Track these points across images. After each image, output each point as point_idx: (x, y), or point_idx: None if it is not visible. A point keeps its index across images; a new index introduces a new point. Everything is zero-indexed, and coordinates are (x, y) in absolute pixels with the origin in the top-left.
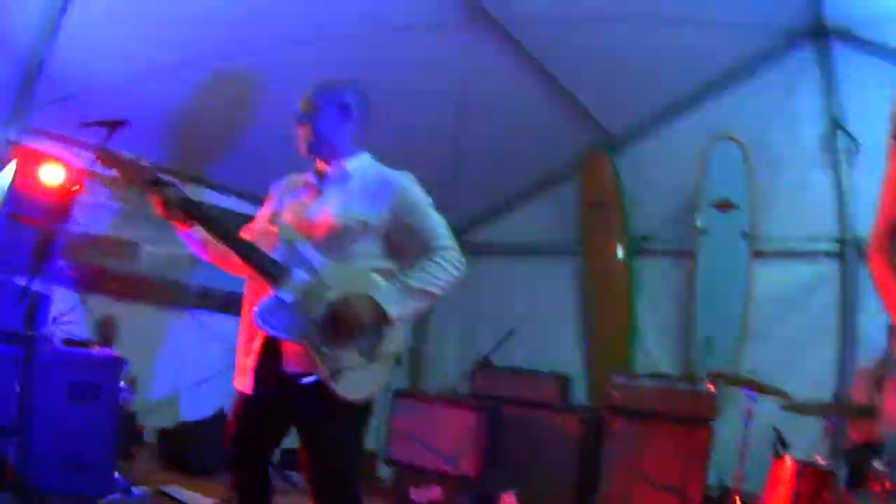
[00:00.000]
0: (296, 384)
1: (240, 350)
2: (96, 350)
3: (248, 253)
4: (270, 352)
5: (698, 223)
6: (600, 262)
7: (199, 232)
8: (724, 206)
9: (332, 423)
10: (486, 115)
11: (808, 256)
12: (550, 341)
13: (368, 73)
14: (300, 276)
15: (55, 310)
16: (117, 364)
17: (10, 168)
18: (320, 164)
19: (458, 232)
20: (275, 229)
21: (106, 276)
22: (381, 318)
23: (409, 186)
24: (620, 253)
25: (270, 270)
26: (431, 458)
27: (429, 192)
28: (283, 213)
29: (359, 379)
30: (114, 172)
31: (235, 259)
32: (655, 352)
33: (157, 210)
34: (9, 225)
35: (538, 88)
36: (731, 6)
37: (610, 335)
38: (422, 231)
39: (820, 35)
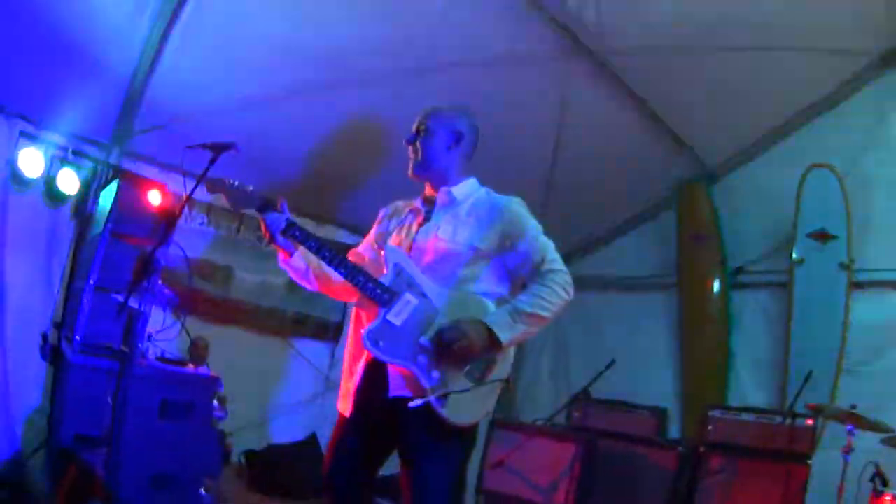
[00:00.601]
0: (400, 408)
1: (344, 373)
2: (191, 368)
3: (356, 276)
4: (374, 375)
5: (795, 255)
6: (697, 294)
7: (304, 258)
8: (821, 236)
9: (437, 448)
10: (582, 147)
11: None
12: (645, 374)
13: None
14: (409, 299)
15: (151, 328)
16: (211, 383)
17: (113, 188)
18: (429, 190)
19: None
20: (383, 253)
21: (200, 299)
22: (491, 343)
23: (519, 211)
24: (717, 286)
25: (379, 293)
26: (525, 488)
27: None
28: (391, 237)
29: (466, 404)
30: (220, 197)
31: (340, 284)
32: (749, 385)
33: (264, 234)
34: (110, 242)
35: (635, 120)
36: (822, 32)
37: (705, 368)
38: (531, 255)
39: None
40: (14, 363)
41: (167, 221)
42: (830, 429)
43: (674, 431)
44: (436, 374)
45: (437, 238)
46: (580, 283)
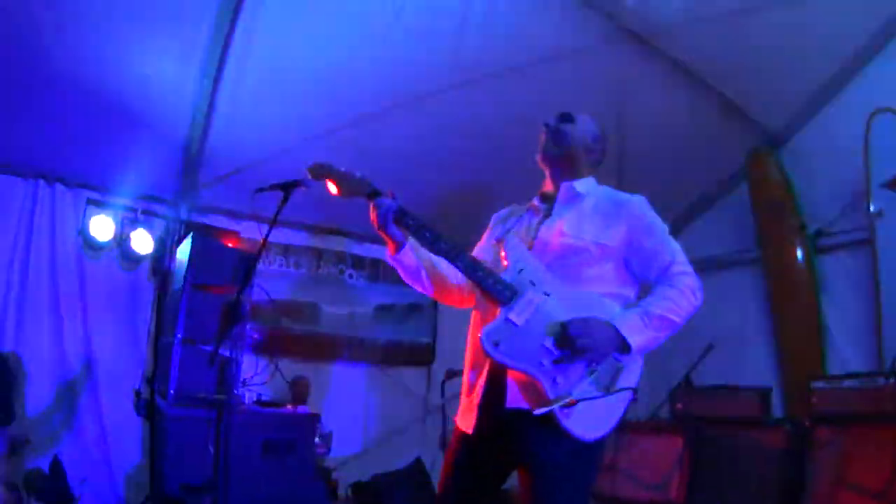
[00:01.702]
0: (519, 421)
1: (464, 386)
2: (289, 408)
3: (476, 271)
4: (496, 386)
5: (872, 207)
6: (781, 265)
7: (414, 252)
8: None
9: (561, 467)
10: (644, 132)
11: None
12: (742, 355)
13: (522, 103)
14: (532, 297)
15: (244, 373)
16: (311, 420)
17: (187, 243)
18: (548, 185)
19: None
20: (502, 250)
21: (290, 338)
22: (621, 347)
23: (646, 209)
24: (800, 253)
25: (500, 290)
26: (638, 488)
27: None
28: (511, 234)
29: (593, 414)
30: (329, 185)
31: (455, 286)
32: (847, 350)
33: (374, 222)
34: (192, 294)
35: (693, 96)
36: None
37: (800, 340)
38: (660, 256)
39: None
40: (110, 422)
41: (247, 265)
42: None
43: (778, 409)
44: (561, 380)
45: (562, 233)
46: None
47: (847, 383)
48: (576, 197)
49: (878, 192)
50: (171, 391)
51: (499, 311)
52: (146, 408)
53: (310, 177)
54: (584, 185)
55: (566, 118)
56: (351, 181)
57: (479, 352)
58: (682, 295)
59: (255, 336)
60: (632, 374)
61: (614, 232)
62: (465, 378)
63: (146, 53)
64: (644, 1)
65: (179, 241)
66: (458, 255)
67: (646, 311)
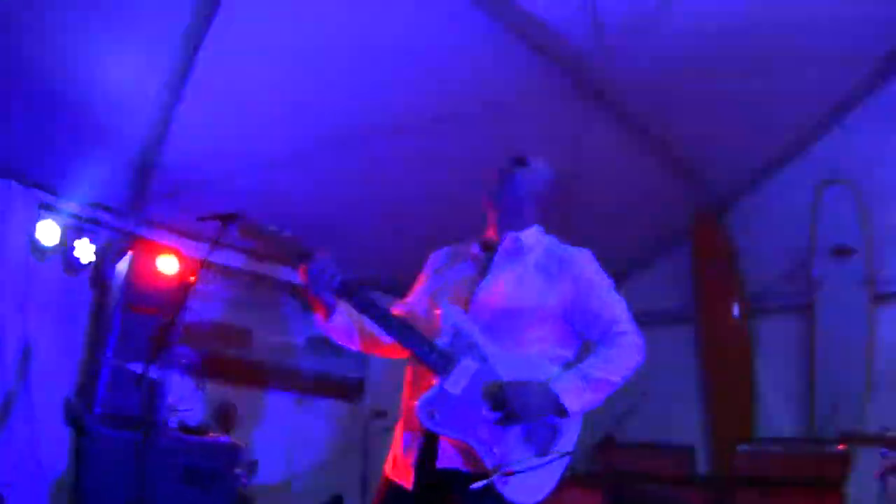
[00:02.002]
0: (456, 482)
1: (397, 442)
2: (212, 436)
3: (409, 339)
4: (431, 446)
5: (814, 273)
6: (717, 325)
7: (345, 316)
8: (841, 252)
9: None
10: (593, 185)
11: None
12: (671, 412)
13: (474, 148)
14: (468, 364)
15: (172, 396)
16: (233, 450)
17: (127, 261)
18: (491, 233)
19: None
20: (438, 310)
21: (221, 362)
22: (559, 413)
23: (590, 266)
24: (737, 314)
25: (434, 359)
26: None
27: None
28: (447, 290)
29: (531, 481)
30: (256, 244)
31: (390, 345)
32: (779, 414)
33: (305, 287)
34: (126, 314)
35: (644, 155)
36: (819, 42)
37: (731, 401)
38: (603, 315)
39: None
40: (42, 427)
41: (183, 288)
42: (863, 453)
43: (703, 468)
44: (498, 450)
45: (502, 294)
46: None
47: (773, 447)
48: (519, 250)
49: (820, 260)
50: (97, 409)
51: (435, 380)
52: (74, 420)
53: (238, 232)
54: (530, 236)
55: (520, 163)
56: (279, 241)
57: (414, 416)
58: (625, 355)
59: (186, 359)
60: (569, 437)
61: (557, 292)
62: (399, 433)
63: (113, 61)
64: (608, 59)
65: (122, 254)
66: (391, 323)
67: (585, 373)
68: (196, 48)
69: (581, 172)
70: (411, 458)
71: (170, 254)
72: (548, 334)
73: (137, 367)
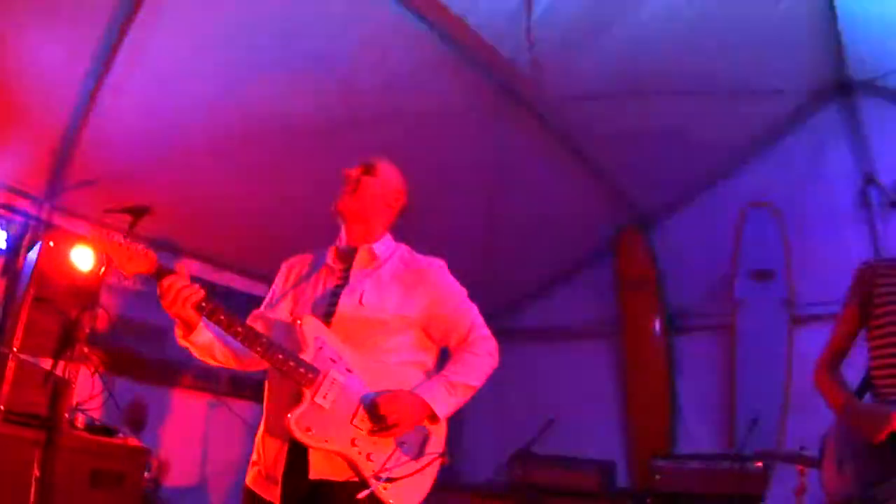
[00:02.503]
0: (329, 492)
1: (261, 454)
2: (120, 438)
3: (275, 355)
4: (299, 457)
5: (736, 294)
6: (638, 341)
7: (206, 333)
8: (761, 275)
9: None
10: (517, 196)
11: None
12: (590, 426)
13: (397, 153)
14: (335, 377)
15: (80, 394)
16: (142, 453)
17: (37, 250)
18: (342, 241)
19: (491, 317)
20: (299, 324)
21: (133, 361)
22: (430, 419)
23: (444, 276)
24: (658, 330)
25: (302, 373)
26: None
27: (459, 278)
28: (306, 302)
29: (408, 486)
30: (114, 261)
31: (250, 359)
32: (698, 431)
33: (164, 302)
34: (34, 306)
35: (570, 168)
36: (751, 75)
37: (651, 416)
38: (460, 323)
39: (845, 91)
40: None
41: (95, 282)
42: (780, 470)
43: (623, 482)
44: (375, 457)
45: (362, 306)
46: (520, 336)
47: (691, 463)
48: (374, 261)
49: (743, 280)
50: (1, 406)
51: (304, 394)
52: None
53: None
54: (383, 247)
55: (368, 170)
56: (135, 256)
57: (282, 426)
58: (482, 361)
59: (96, 356)
60: (438, 439)
61: (414, 301)
62: (261, 443)
63: (36, 44)
64: (539, 72)
65: (34, 243)
66: (254, 340)
67: (449, 380)
68: (121, 36)
69: (505, 182)
70: (279, 471)
71: (84, 244)
72: (407, 343)
73: (45, 363)
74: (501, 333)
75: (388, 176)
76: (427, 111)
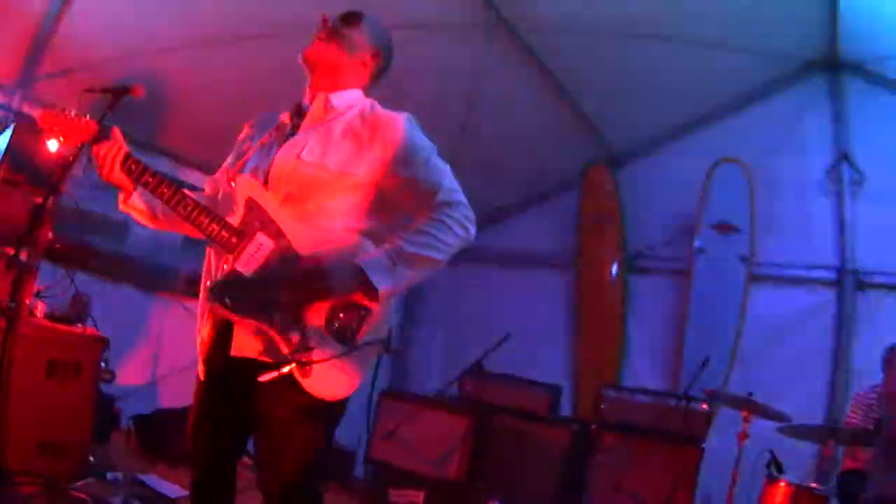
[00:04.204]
0: (249, 372)
1: (197, 331)
2: (79, 328)
3: (198, 217)
4: (223, 332)
5: (696, 243)
6: (595, 276)
7: (142, 197)
8: (725, 228)
9: (295, 427)
10: (492, 119)
11: (806, 284)
12: (540, 351)
13: None
14: (262, 241)
15: (39, 283)
16: (99, 343)
17: (8, 132)
18: (305, 98)
19: None
20: (231, 185)
21: (91, 254)
22: (366, 293)
23: (407, 129)
24: (615, 268)
25: (225, 237)
26: (415, 460)
27: None
28: (248, 162)
29: (334, 372)
30: (47, 143)
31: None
32: (645, 369)
33: (98, 169)
34: (2, 191)
35: (548, 98)
36: (747, 32)
37: (600, 349)
38: (422, 184)
39: (833, 67)
40: None
41: (61, 171)
42: (726, 415)
43: (566, 409)
44: (296, 335)
45: (301, 161)
46: (480, 256)
47: (639, 397)
48: (328, 113)
49: (706, 231)
50: None
51: (226, 261)
52: None
53: (40, 127)
54: (344, 98)
55: (350, 20)
56: (76, 126)
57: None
58: (446, 228)
59: (56, 245)
60: (381, 324)
61: (365, 159)
62: (198, 321)
63: None
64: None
65: (4, 129)
66: (179, 201)
67: (396, 248)
68: None
69: (483, 100)
70: (204, 345)
71: (55, 134)
72: (355, 207)
73: (8, 250)
74: (462, 251)
75: (371, 30)
76: (409, 25)
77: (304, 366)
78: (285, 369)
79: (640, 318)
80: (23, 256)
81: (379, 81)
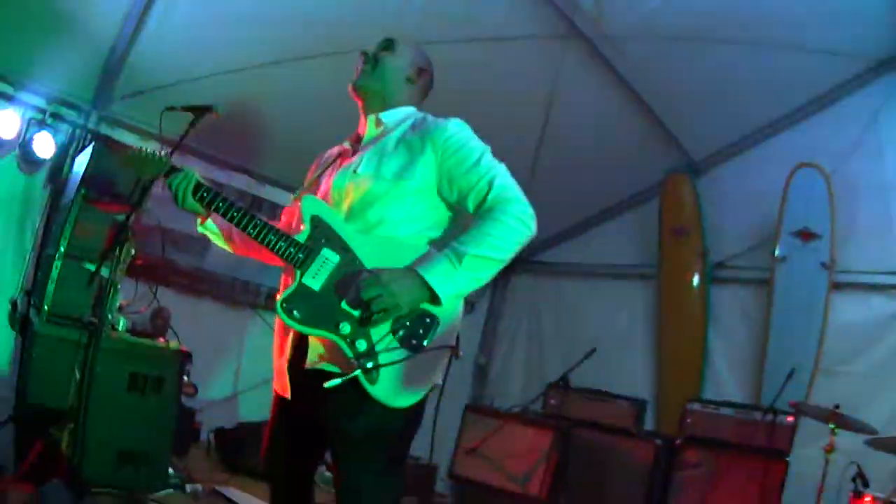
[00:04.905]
0: (322, 383)
1: (275, 349)
2: (162, 342)
3: (267, 235)
4: (302, 346)
5: (777, 252)
6: (677, 287)
7: (218, 220)
8: (805, 235)
9: (366, 433)
10: (570, 131)
11: (889, 290)
12: (622, 365)
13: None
14: (328, 255)
15: (122, 299)
16: (182, 358)
17: (87, 153)
18: (361, 125)
19: (533, 250)
20: (297, 205)
21: (174, 270)
22: (430, 298)
23: (458, 131)
24: (697, 279)
25: (292, 253)
26: (499, 476)
27: None
28: (312, 186)
29: (401, 378)
30: (130, 169)
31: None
32: (727, 381)
33: (174, 199)
34: (83, 209)
35: (625, 108)
36: (820, 33)
37: (682, 362)
38: (477, 184)
39: None
40: None
41: (144, 187)
42: (809, 428)
43: (649, 423)
44: (363, 343)
45: (357, 174)
46: (562, 270)
47: (723, 410)
48: (380, 129)
49: (786, 238)
50: (45, 307)
51: (294, 275)
52: (21, 321)
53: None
54: (396, 114)
55: (387, 46)
56: (149, 161)
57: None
58: (504, 227)
59: (139, 262)
60: (447, 329)
61: (420, 165)
62: (276, 340)
63: None
64: (600, 6)
65: (81, 151)
66: (248, 222)
67: (456, 251)
68: None
69: (561, 113)
70: (285, 361)
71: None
72: (416, 212)
73: (90, 266)
74: (541, 266)
75: (409, 51)
76: (487, 38)
77: (369, 371)
78: (350, 375)
79: (722, 330)
80: (105, 272)
81: (427, 96)
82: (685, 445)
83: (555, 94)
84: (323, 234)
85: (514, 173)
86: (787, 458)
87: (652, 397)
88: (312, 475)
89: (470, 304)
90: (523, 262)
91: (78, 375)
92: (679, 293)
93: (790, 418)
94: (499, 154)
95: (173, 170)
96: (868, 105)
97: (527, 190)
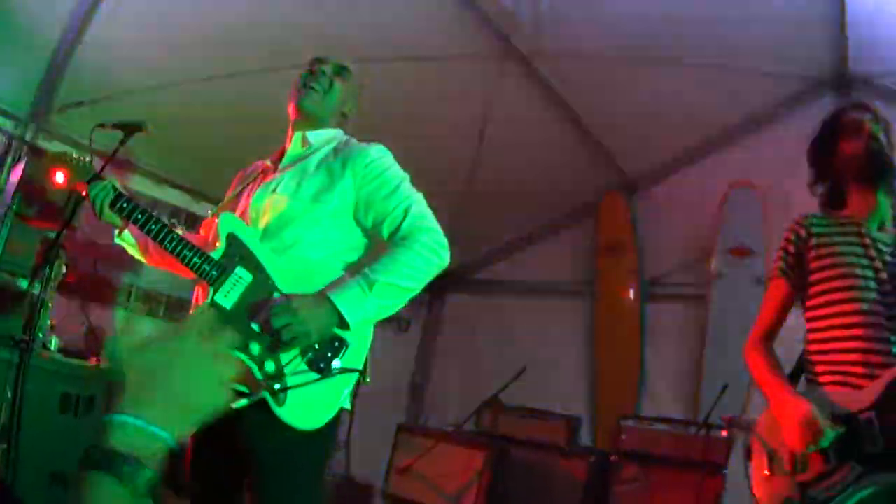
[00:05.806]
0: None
1: None
2: (93, 362)
3: (182, 251)
4: None
5: (712, 268)
6: (612, 304)
7: (134, 231)
8: (740, 252)
9: (278, 456)
10: (505, 149)
11: None
12: (557, 382)
13: (389, 96)
14: (241, 275)
15: (53, 317)
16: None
17: (20, 168)
18: (288, 141)
19: (469, 268)
20: (215, 222)
21: (107, 286)
22: (339, 323)
23: (379, 159)
24: (632, 295)
25: (206, 270)
26: (432, 495)
27: (438, 219)
28: (231, 202)
29: (310, 400)
30: (56, 175)
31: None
32: (663, 396)
33: (91, 208)
34: (14, 225)
35: (560, 126)
36: (755, 55)
37: (618, 378)
38: (392, 212)
39: (843, 85)
40: None
41: (74, 204)
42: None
43: (585, 440)
44: (271, 364)
45: (276, 194)
46: (496, 288)
47: (658, 426)
48: (305, 150)
49: (720, 256)
50: None
51: (207, 293)
52: None
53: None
54: (320, 136)
55: (342, 73)
56: (80, 167)
57: None
58: (417, 256)
59: (71, 279)
60: (356, 352)
61: (338, 189)
62: None
63: None
64: (540, 25)
65: (17, 162)
66: (166, 235)
67: (367, 277)
68: None
69: (496, 130)
70: None
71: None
72: (335, 238)
73: (21, 283)
74: (477, 284)
75: (356, 86)
76: (422, 56)
77: (276, 393)
78: (257, 396)
79: (657, 346)
80: (35, 290)
81: (348, 118)
82: (620, 461)
83: (491, 112)
84: (237, 252)
85: (451, 191)
86: (724, 472)
87: (589, 414)
88: (234, 495)
89: (406, 322)
90: (459, 281)
91: (10, 395)
92: (614, 310)
93: (724, 432)
94: (435, 172)
95: (96, 177)
96: (803, 126)
97: (463, 207)
